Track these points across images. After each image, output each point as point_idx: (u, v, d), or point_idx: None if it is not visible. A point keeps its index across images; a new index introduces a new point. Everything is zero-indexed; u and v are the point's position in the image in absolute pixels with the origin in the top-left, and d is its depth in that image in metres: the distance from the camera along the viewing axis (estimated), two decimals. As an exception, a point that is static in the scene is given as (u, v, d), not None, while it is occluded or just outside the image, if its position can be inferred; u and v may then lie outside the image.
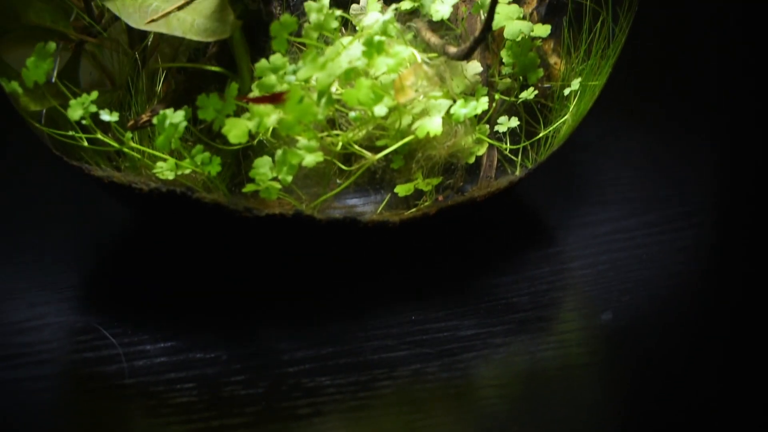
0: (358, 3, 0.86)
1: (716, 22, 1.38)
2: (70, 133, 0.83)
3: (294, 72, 0.77)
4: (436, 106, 0.80)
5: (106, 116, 0.80)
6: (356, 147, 0.80)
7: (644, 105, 1.18)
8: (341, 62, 0.75)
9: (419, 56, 0.80)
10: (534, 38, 0.88)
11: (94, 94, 0.81)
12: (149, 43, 0.88)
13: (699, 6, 1.40)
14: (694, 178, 1.04)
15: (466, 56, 0.80)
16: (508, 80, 0.89)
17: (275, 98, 0.76)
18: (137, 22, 0.82)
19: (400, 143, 0.80)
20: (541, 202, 0.99)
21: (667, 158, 1.07)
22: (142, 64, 0.88)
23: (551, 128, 0.89)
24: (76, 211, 0.99)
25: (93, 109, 0.81)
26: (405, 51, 0.76)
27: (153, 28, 0.82)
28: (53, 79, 0.89)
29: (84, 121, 0.81)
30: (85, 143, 0.83)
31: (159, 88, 0.88)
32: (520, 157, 0.89)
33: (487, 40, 0.84)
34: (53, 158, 0.88)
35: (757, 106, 1.19)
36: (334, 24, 0.77)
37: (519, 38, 0.86)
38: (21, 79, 0.85)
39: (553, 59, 0.94)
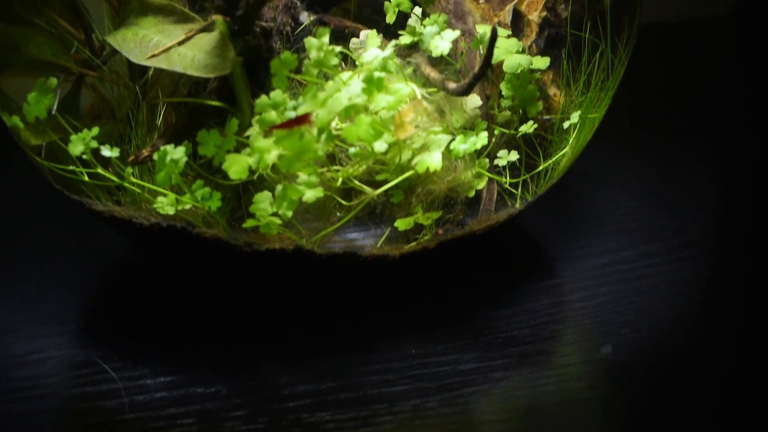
0: (358, 37, 0.87)
1: (715, 52, 1.39)
2: (71, 168, 0.83)
3: (294, 108, 0.77)
4: (435, 142, 0.80)
5: (107, 152, 0.81)
6: (356, 182, 0.81)
7: (642, 134, 1.18)
8: (341, 99, 0.76)
9: (419, 92, 0.80)
10: (533, 71, 0.89)
11: (95, 130, 0.81)
12: (150, 75, 0.88)
13: (698, 36, 1.41)
14: (693, 208, 1.04)
15: (466, 92, 0.80)
16: (508, 113, 0.89)
17: (301, 120, 0.76)
18: (138, 58, 0.82)
19: (400, 178, 0.81)
20: (540, 232, 0.99)
21: (666, 188, 1.07)
22: (143, 96, 0.89)
23: (551, 161, 0.90)
24: (76, 243, 0.99)
25: (94, 144, 0.81)
26: (405, 88, 0.77)
27: (154, 63, 0.82)
28: (53, 112, 0.89)
29: (84, 156, 0.82)
30: (86, 178, 0.84)
31: (159, 120, 0.88)
32: (520, 190, 0.89)
33: (486, 73, 0.84)
34: (54, 190, 0.88)
35: (756, 137, 1.19)
36: (334, 61, 0.78)
37: (518, 71, 0.87)
38: (22, 112, 0.85)
39: (552, 90, 0.94)
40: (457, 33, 0.82)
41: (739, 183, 1.11)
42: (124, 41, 0.84)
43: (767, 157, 1.15)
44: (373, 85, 0.76)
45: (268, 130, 0.76)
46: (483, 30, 0.89)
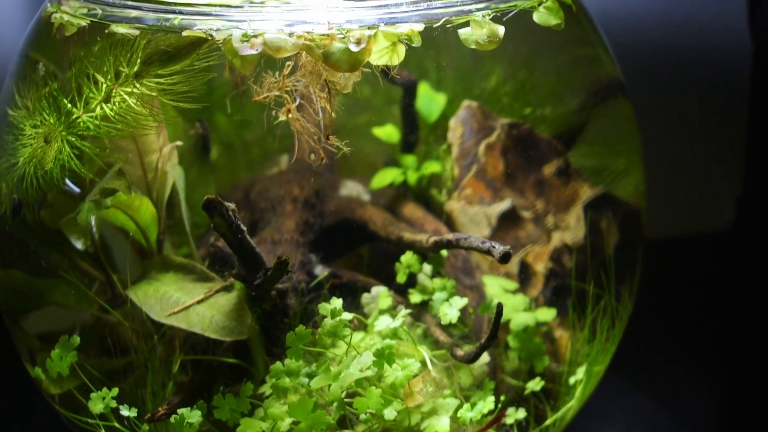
0: (369, 292, 0.90)
1: (714, 269, 1.42)
2: (89, 420, 0.86)
3: (307, 375, 0.80)
4: (443, 406, 0.82)
5: (125, 412, 0.83)
6: (366, 447, 0.83)
7: (645, 362, 1.20)
8: (353, 372, 0.78)
9: (429, 361, 0.83)
10: (540, 324, 0.92)
11: (115, 390, 0.84)
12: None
13: (697, 252, 1.45)
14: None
15: (472, 361, 0.83)
16: (515, 363, 0.92)
17: (496, 420, 0.84)
18: (158, 315, 0.86)
19: (408, 442, 0.83)
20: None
21: (668, 425, 1.09)
22: (160, 338, 0.91)
23: (558, 415, 0.92)
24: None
25: (113, 404, 0.84)
26: (415, 363, 0.80)
27: (173, 322, 0.85)
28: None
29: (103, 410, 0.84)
30: (103, 431, 0.86)
31: (176, 367, 0.91)
32: (528, 441, 0.91)
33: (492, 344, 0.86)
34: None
35: (755, 371, 1.21)
36: (346, 332, 0.81)
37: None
38: (42, 350, 0.89)
39: (558, 333, 0.97)
40: (465, 301, 0.85)
41: (738, 421, 1.12)
42: (145, 297, 0.87)
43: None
44: (383, 358, 0.79)
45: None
46: (491, 283, 0.93)
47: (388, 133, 1.00)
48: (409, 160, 1.02)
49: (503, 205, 0.98)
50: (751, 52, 1.40)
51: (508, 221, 0.98)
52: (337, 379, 0.79)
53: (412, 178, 1.01)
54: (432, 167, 1.01)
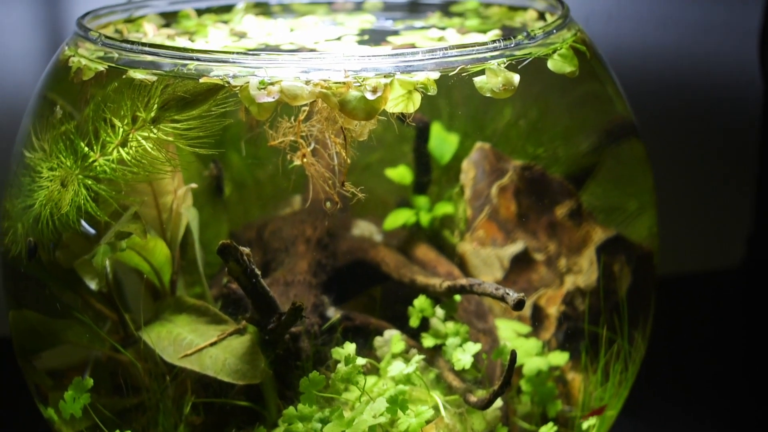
0: (382, 335, 0.90)
1: (721, 306, 1.42)
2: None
3: (321, 420, 0.80)
4: (457, 452, 0.82)
5: (137, 457, 0.84)
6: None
7: (649, 399, 1.19)
8: (366, 418, 0.78)
9: (442, 407, 0.83)
10: (553, 368, 0.92)
11: (127, 433, 0.84)
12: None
13: (705, 290, 1.44)
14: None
15: (485, 407, 0.83)
16: (528, 407, 0.92)
17: (599, 411, 0.87)
18: (171, 357, 0.86)
19: (421, 492, 0.83)
20: None
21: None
22: (172, 378, 0.91)
23: (570, 461, 0.92)
24: None
25: (124, 449, 0.84)
26: (428, 411, 0.79)
27: (186, 364, 0.85)
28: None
29: (115, 452, 0.85)
30: (115, 477, 0.86)
31: (187, 409, 0.91)
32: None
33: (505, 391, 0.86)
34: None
35: (766, 411, 1.20)
36: (360, 378, 0.81)
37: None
38: (54, 389, 0.89)
39: (570, 375, 0.97)
40: (478, 346, 0.85)
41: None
42: (158, 339, 0.87)
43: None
44: (397, 405, 0.79)
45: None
46: (504, 326, 0.93)
47: (401, 174, 1.00)
48: (422, 201, 1.02)
49: (516, 247, 0.98)
50: (762, 91, 1.40)
51: (521, 263, 0.98)
52: (350, 426, 0.78)
53: (425, 219, 1.01)
54: (444, 208, 1.01)
